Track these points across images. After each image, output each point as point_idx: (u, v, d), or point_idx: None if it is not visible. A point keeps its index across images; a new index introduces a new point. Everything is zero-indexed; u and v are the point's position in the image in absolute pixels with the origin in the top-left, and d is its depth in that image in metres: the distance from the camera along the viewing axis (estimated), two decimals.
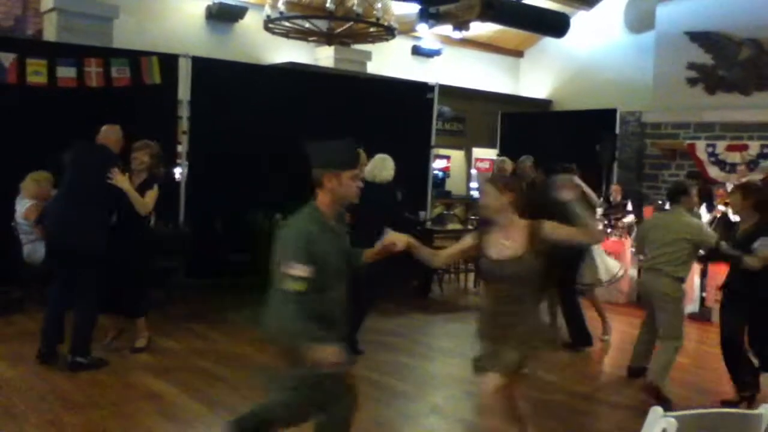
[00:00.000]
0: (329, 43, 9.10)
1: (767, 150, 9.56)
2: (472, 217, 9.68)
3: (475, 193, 12.38)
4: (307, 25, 8.49)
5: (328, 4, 8.03)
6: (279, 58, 10.12)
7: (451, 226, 8.91)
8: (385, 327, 6.36)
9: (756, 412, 2.33)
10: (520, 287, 3.22)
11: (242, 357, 5.33)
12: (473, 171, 12.37)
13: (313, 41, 9.40)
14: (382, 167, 5.58)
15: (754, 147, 9.68)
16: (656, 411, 2.18)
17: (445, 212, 9.18)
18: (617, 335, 7.04)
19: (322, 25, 8.56)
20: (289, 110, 7.66)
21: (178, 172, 7.36)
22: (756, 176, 8.82)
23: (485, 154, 12.36)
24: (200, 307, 6.86)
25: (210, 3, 9.86)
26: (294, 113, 7.62)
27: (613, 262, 6.72)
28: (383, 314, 6.60)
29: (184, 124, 7.39)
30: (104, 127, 5.09)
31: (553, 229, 3.23)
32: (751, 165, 9.53)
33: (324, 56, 10.48)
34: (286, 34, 8.58)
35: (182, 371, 4.98)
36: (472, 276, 8.77)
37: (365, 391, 4.69)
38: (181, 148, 7.42)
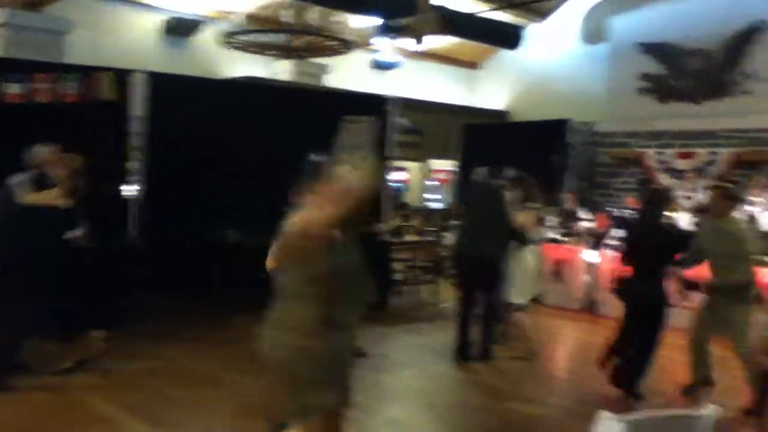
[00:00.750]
0: (287, 57, 9.11)
1: (715, 157, 9.87)
2: (430, 229, 9.75)
3: (432, 204, 12.49)
4: (264, 38, 8.49)
5: (286, 18, 8.06)
6: (236, 73, 10.08)
7: (408, 238, 8.97)
8: None
9: (702, 413, 2.40)
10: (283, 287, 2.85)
11: (199, 376, 5.25)
12: (430, 182, 12.49)
13: (271, 55, 9.39)
14: None
15: (702, 154, 9.98)
16: (605, 415, 2.23)
17: (402, 224, 9.22)
18: (571, 341, 7.18)
19: (280, 39, 8.56)
20: (247, 125, 7.62)
21: (128, 189, 7.26)
22: (702, 183, 9.11)
23: (443, 165, 12.50)
24: (153, 324, 6.69)
25: (166, 17, 9.78)
26: (252, 127, 7.58)
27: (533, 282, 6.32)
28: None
29: (136, 141, 7.30)
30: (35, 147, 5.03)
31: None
32: (700, 172, 9.83)
33: (282, 70, 10.48)
34: (244, 48, 8.56)
35: (134, 392, 4.82)
36: (430, 287, 8.82)
37: None
38: (133, 165, 7.32)
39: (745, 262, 4.83)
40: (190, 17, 9.84)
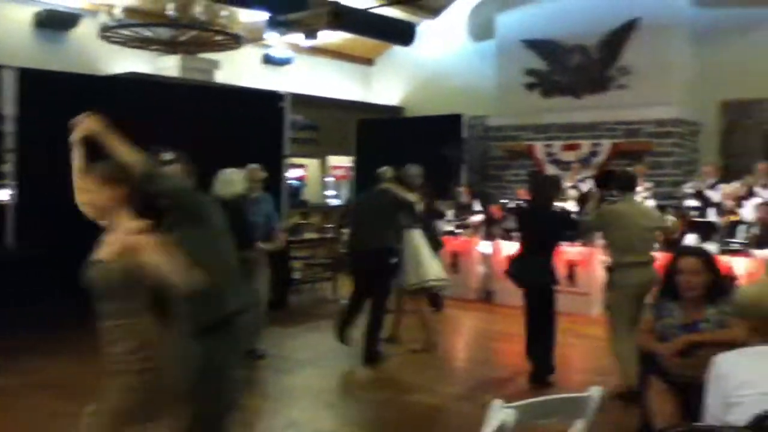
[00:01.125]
0: (173, 52, 8.76)
1: (598, 148, 10.40)
2: (328, 225, 9.69)
3: (331, 201, 12.44)
4: (147, 33, 8.12)
5: (169, 12, 7.74)
6: (118, 68, 9.57)
7: (307, 236, 8.88)
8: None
9: (586, 394, 2.49)
10: (105, 301, 2.61)
11: (82, 387, 4.93)
12: (328, 179, 12.43)
13: (155, 50, 9.00)
14: (227, 183, 5.40)
15: (586, 146, 10.48)
16: (496, 403, 2.27)
17: (300, 222, 9.12)
18: (470, 331, 7.34)
19: (164, 33, 8.21)
20: (130, 123, 7.24)
21: (2, 194, 6.74)
22: (587, 173, 9.57)
23: (341, 161, 12.46)
24: (32, 336, 6.24)
25: (38, 9, 9.14)
26: (136, 126, 7.20)
27: (438, 268, 6.23)
28: None
29: (9, 142, 6.78)
30: None
31: (149, 249, 2.49)
32: (584, 163, 10.33)
33: (168, 65, 10.06)
34: (125, 43, 8.15)
35: (17, 410, 4.53)
36: (330, 285, 8.77)
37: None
38: (7, 168, 6.80)
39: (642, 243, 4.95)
40: (65, 9, 9.24)
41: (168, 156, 3.29)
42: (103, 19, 7.49)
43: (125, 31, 7.83)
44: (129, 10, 8.97)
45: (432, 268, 6.02)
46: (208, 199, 3.23)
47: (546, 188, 5.37)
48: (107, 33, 7.59)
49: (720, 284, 3.39)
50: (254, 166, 6.00)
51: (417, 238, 6.01)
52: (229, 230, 3.09)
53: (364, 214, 6.01)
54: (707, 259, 3.39)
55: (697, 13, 10.28)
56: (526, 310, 5.28)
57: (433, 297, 6.91)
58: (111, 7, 7.92)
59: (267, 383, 5.21)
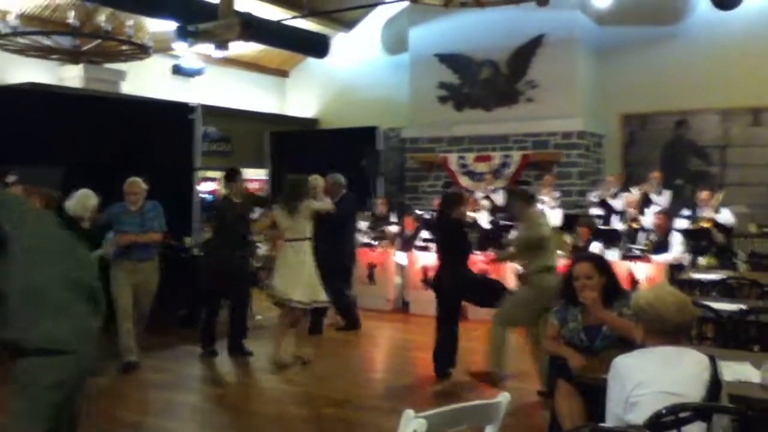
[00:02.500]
0: (75, 62, 8.39)
1: (509, 160, 10.71)
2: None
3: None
4: (47, 42, 7.74)
5: (71, 20, 7.41)
6: (16, 78, 9.08)
7: None
8: (148, 363, 5.89)
9: (495, 400, 2.53)
10: None
11: None
12: None
13: (56, 59, 8.59)
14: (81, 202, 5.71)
15: (497, 157, 10.78)
16: (408, 413, 2.27)
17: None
18: (386, 341, 7.36)
19: (66, 42, 7.85)
20: (29, 135, 6.89)
21: None
22: (499, 184, 9.84)
23: (255, 174, 12.27)
24: None
25: None
26: (35, 138, 6.87)
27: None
28: (144, 350, 6.01)
29: None
30: None
31: None
32: (496, 173, 10.61)
33: (71, 75, 9.63)
34: (23, 51, 7.74)
35: None
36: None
37: None
38: None
39: (543, 251, 5.30)
40: None
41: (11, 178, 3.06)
42: None
43: (22, 39, 7.43)
44: (26, 17, 8.55)
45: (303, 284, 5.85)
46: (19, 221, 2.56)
47: (450, 203, 5.64)
48: (1, 40, 7.18)
49: (616, 287, 3.55)
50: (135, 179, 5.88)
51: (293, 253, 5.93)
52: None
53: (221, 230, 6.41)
54: (600, 263, 3.55)
55: (599, 30, 10.81)
56: (438, 317, 5.56)
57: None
58: (5, 13, 7.52)
59: (182, 406, 5.03)
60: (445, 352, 5.51)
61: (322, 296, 6.00)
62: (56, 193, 5.79)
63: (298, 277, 5.81)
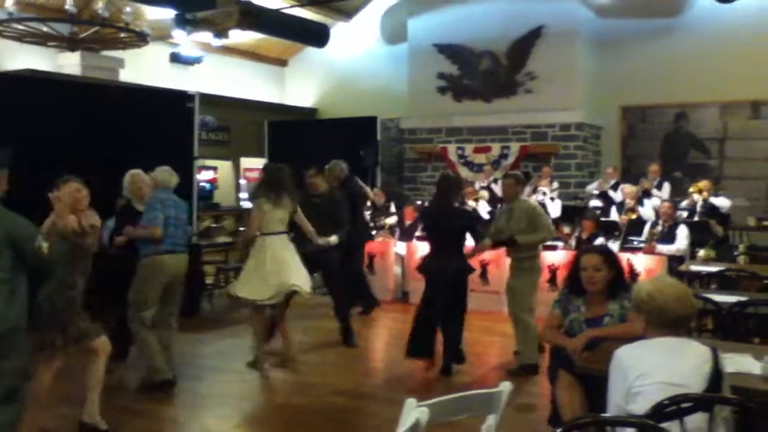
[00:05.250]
0: (72, 49, 8.33)
1: (507, 151, 10.71)
2: (242, 229, 9.49)
3: (245, 204, 12.20)
4: (45, 28, 7.69)
5: (68, 6, 7.36)
6: (14, 65, 9.02)
7: (220, 239, 8.66)
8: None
9: (496, 390, 2.54)
10: None
11: None
12: (242, 181, 12.18)
13: (53, 46, 8.54)
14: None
15: (496, 148, 10.78)
16: (410, 403, 2.27)
17: (213, 225, 8.88)
18: (386, 331, 7.37)
19: (63, 29, 7.80)
20: (28, 122, 6.85)
21: None
22: (498, 175, 9.83)
23: (254, 163, 12.25)
24: None
25: None
26: (33, 125, 6.83)
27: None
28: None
29: None
30: None
31: None
32: (495, 165, 10.61)
33: (69, 63, 9.57)
34: (20, 38, 7.69)
35: None
36: None
37: (131, 423, 4.36)
38: None
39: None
40: None
41: None
42: None
43: (19, 26, 7.38)
44: (23, 3, 8.49)
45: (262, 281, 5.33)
46: None
47: (449, 188, 5.52)
48: None
49: (621, 280, 3.55)
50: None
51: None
52: None
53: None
54: (608, 256, 3.55)
55: (599, 22, 10.78)
56: (426, 299, 5.44)
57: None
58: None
59: (179, 391, 5.03)
60: (451, 347, 5.40)
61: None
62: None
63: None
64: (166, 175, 5.14)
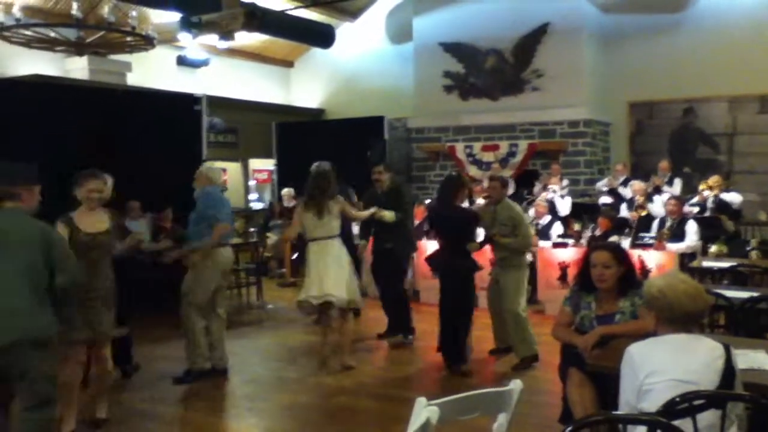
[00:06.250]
0: (80, 54, 8.38)
1: (515, 149, 10.67)
2: (252, 230, 9.51)
3: (254, 205, 12.23)
4: (52, 34, 7.73)
5: (74, 12, 7.39)
6: (22, 70, 9.07)
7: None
8: (158, 353, 5.96)
9: (507, 388, 2.52)
10: None
11: None
12: (251, 182, 12.22)
13: (60, 51, 8.58)
14: None
15: (504, 146, 10.74)
16: (421, 401, 2.26)
17: None
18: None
19: (70, 34, 7.84)
20: (36, 127, 6.88)
21: None
22: (506, 173, 9.80)
23: (262, 164, 12.28)
24: None
25: None
26: (42, 130, 6.86)
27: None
28: (155, 340, 6.18)
29: None
30: None
31: None
32: (503, 162, 10.58)
33: (76, 67, 9.62)
34: (27, 44, 7.73)
35: None
36: (254, 290, 8.60)
37: (144, 425, 4.37)
38: None
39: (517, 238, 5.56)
40: None
41: None
42: (1, 17, 7.06)
43: (27, 31, 7.41)
44: (31, 9, 8.54)
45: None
46: None
47: (451, 187, 5.53)
48: (6, 32, 7.16)
49: (632, 277, 3.52)
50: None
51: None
52: None
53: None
54: (618, 252, 3.52)
55: (604, 18, 10.73)
56: (441, 304, 5.48)
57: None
58: (8, 5, 7.51)
59: (188, 391, 5.05)
60: (455, 347, 5.40)
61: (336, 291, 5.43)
62: None
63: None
64: (216, 172, 5.52)
